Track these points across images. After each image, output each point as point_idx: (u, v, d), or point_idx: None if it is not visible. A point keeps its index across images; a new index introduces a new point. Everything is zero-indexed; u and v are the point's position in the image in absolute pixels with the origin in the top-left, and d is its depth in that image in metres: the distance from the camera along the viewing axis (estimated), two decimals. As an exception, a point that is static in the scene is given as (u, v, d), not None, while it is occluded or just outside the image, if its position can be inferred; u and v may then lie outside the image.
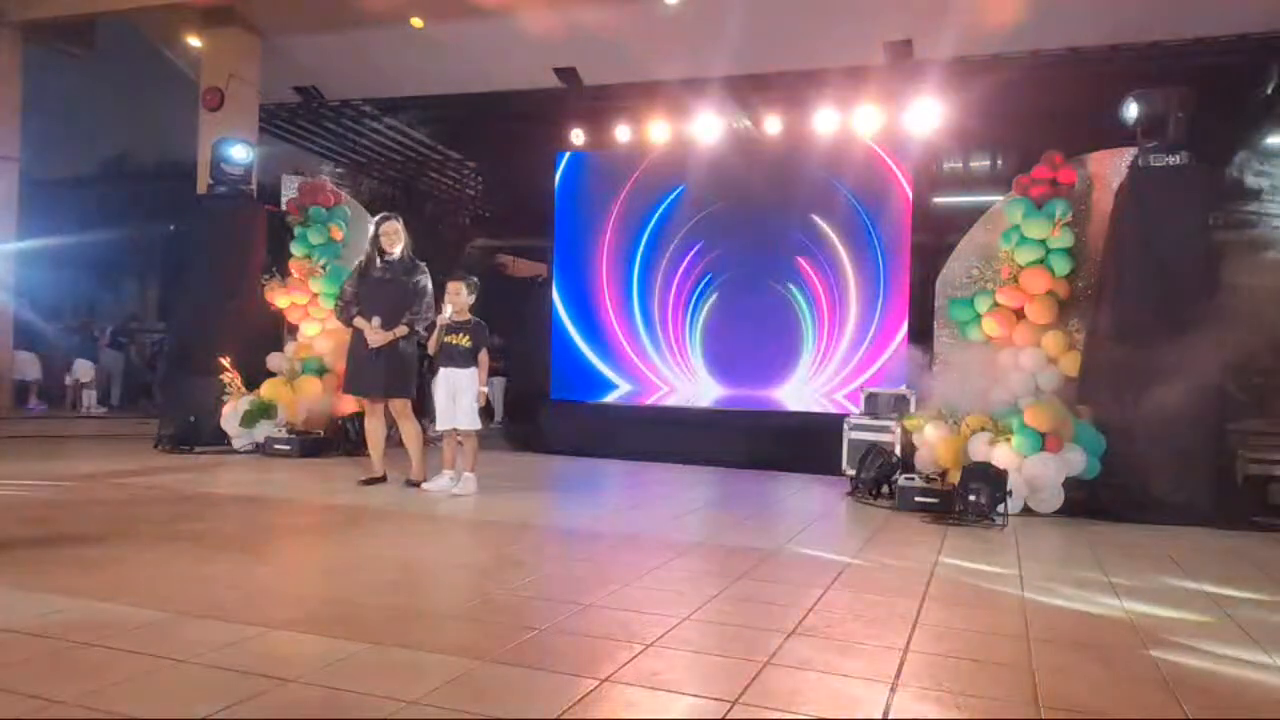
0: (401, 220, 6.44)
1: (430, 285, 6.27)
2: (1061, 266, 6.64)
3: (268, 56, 10.25)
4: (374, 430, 6.39)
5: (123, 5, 9.86)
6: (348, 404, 8.01)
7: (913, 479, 6.15)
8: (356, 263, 6.63)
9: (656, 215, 9.41)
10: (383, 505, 5.47)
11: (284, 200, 9.07)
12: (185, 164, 12.18)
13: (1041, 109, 9.37)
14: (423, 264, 6.41)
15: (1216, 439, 5.91)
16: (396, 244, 6.31)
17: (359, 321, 6.22)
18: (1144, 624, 3.33)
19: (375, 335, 6.14)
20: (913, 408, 7.14)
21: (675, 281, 9.36)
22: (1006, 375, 6.73)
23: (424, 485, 6.07)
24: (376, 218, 6.51)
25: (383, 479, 6.28)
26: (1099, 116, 6.77)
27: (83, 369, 12.78)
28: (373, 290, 6.26)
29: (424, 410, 7.11)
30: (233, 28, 9.87)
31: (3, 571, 3.46)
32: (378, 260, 6.31)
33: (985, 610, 3.53)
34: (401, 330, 6.17)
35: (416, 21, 9.35)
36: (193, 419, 8.07)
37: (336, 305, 6.44)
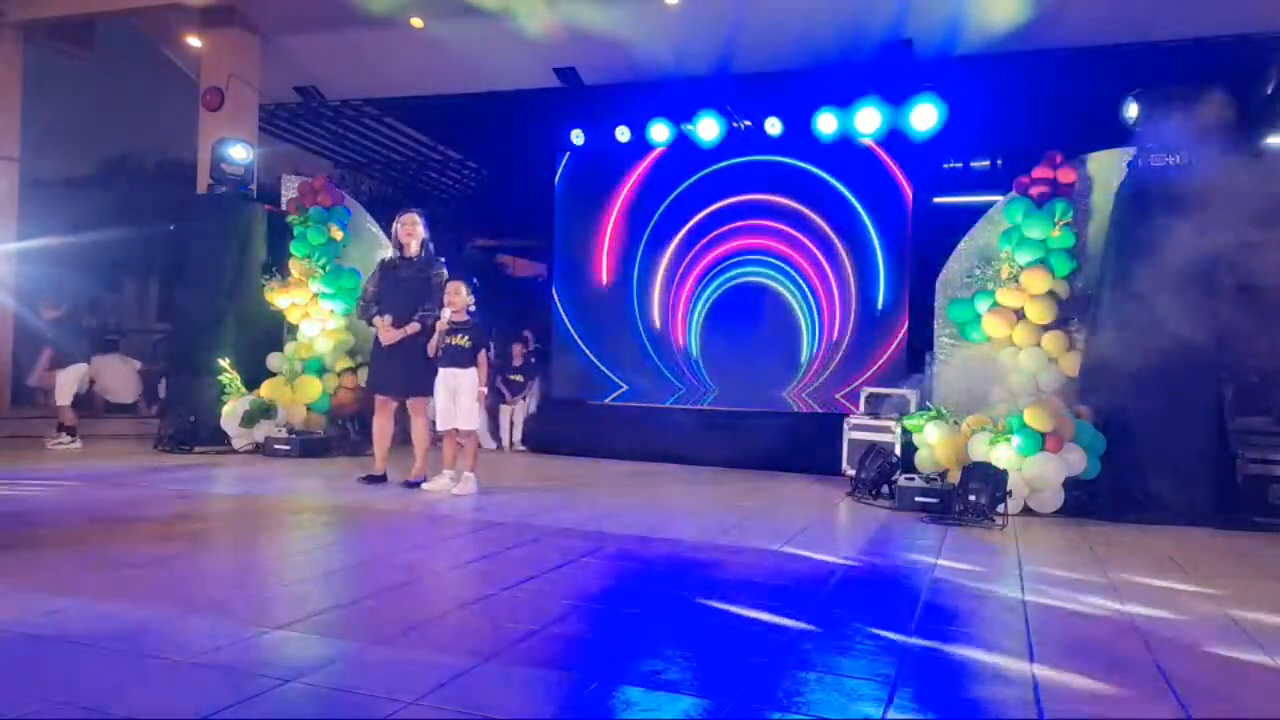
0: (419, 214, 6.43)
1: (446, 280, 6.24)
2: (1061, 266, 6.64)
3: (268, 56, 10.23)
4: (381, 428, 6.41)
5: (123, 5, 9.84)
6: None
7: (913, 479, 6.15)
8: (379, 260, 6.68)
9: (657, 215, 9.41)
10: (383, 505, 5.47)
11: (284, 200, 9.07)
12: (185, 164, 12.16)
13: (1041, 109, 9.37)
14: (440, 259, 6.42)
15: (1216, 439, 5.91)
16: (414, 238, 6.32)
17: (377, 320, 6.26)
18: (1144, 624, 3.33)
19: (386, 333, 6.17)
20: (913, 408, 7.14)
21: (675, 281, 9.36)
22: (1006, 375, 6.74)
23: (424, 485, 6.07)
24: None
25: (383, 478, 6.28)
26: (1099, 116, 6.76)
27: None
28: (391, 288, 6.30)
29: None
30: (233, 28, 9.85)
31: (3, 571, 3.46)
32: (397, 257, 6.36)
33: (985, 610, 3.53)
34: (413, 327, 6.17)
35: (416, 21, 9.34)
36: (193, 419, 8.08)
37: (358, 305, 6.50)
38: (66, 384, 8.48)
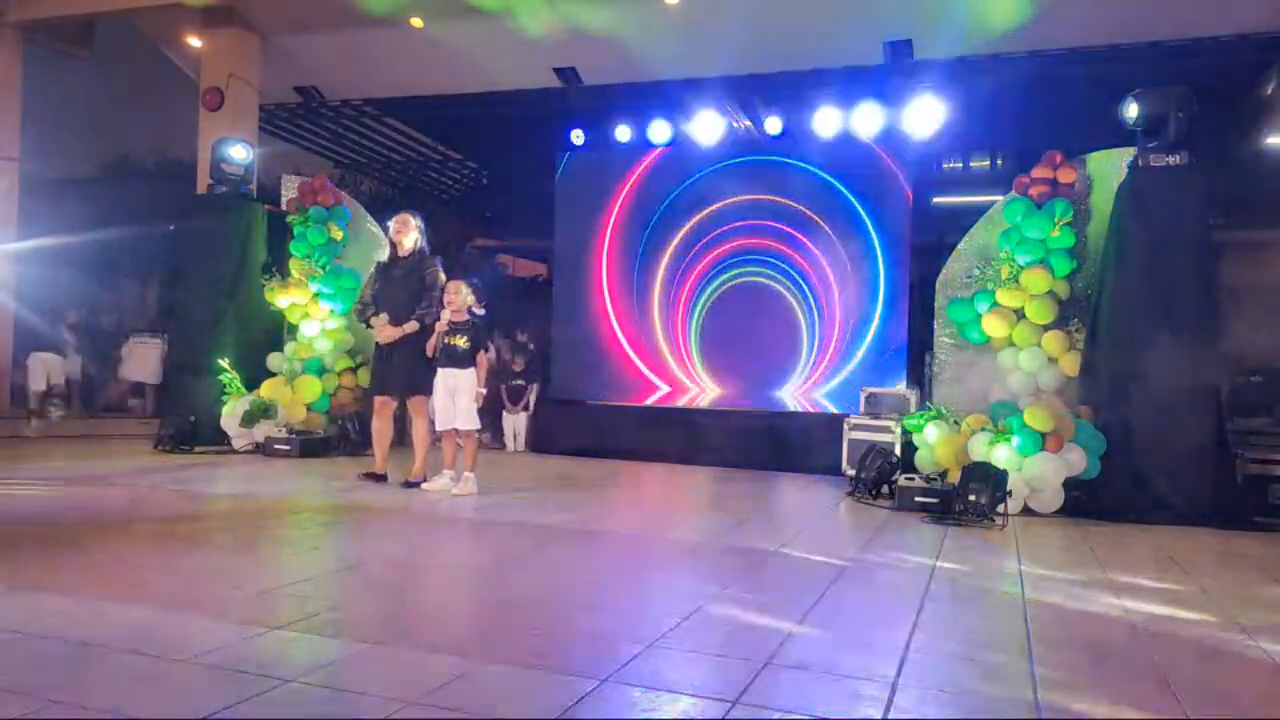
0: (413, 213, 6.46)
1: (442, 278, 6.24)
2: (1061, 266, 6.64)
3: (268, 56, 10.24)
4: (381, 429, 6.42)
5: (123, 5, 9.85)
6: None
7: (913, 479, 6.15)
8: (376, 263, 6.72)
9: (657, 215, 9.41)
10: (383, 505, 5.47)
11: (284, 200, 9.07)
12: (185, 164, 12.15)
13: (1041, 109, 9.37)
14: (434, 257, 6.44)
15: (1216, 439, 5.91)
16: (406, 236, 6.34)
17: (374, 320, 6.28)
18: (1144, 624, 3.33)
19: (383, 331, 6.17)
20: (913, 408, 7.14)
21: (675, 281, 9.36)
22: (1006, 375, 6.74)
23: (424, 485, 6.07)
24: None
25: (383, 477, 6.29)
26: (1099, 116, 6.76)
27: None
28: (387, 288, 6.33)
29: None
30: (233, 28, 9.86)
31: (3, 571, 3.46)
32: (391, 257, 6.40)
33: (985, 610, 3.53)
34: (411, 326, 6.17)
35: (416, 21, 9.34)
36: (193, 419, 8.08)
37: (356, 307, 6.53)
38: (36, 371, 9.44)
